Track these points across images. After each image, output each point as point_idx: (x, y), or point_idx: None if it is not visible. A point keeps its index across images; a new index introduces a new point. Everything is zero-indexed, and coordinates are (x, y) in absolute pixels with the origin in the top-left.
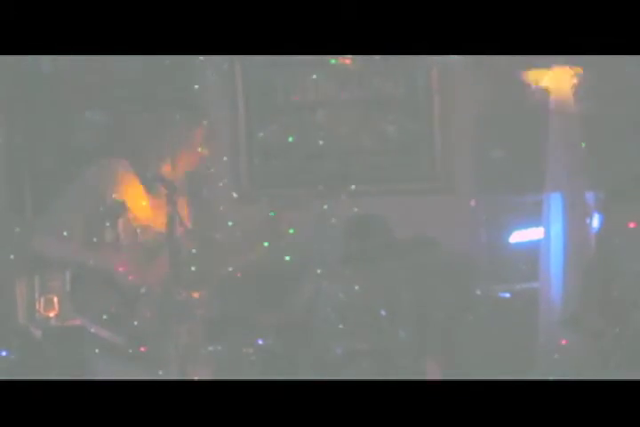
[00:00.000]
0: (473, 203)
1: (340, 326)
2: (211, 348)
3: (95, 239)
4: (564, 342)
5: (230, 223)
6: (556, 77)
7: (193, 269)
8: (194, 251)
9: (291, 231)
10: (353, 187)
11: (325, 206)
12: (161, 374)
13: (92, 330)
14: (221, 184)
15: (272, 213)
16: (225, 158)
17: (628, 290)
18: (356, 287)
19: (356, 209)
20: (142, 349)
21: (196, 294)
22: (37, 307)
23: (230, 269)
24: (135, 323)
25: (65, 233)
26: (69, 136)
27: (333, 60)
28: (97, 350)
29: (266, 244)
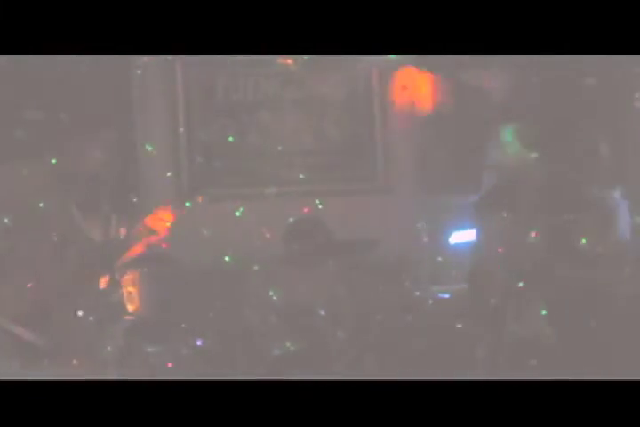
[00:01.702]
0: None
1: (278, 327)
2: (149, 349)
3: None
4: None
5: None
6: (492, 79)
7: (129, 269)
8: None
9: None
10: (282, 188)
11: (264, 206)
12: (97, 376)
13: (13, 330)
14: (161, 185)
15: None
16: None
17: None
18: (295, 288)
19: (295, 210)
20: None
21: (132, 294)
22: None
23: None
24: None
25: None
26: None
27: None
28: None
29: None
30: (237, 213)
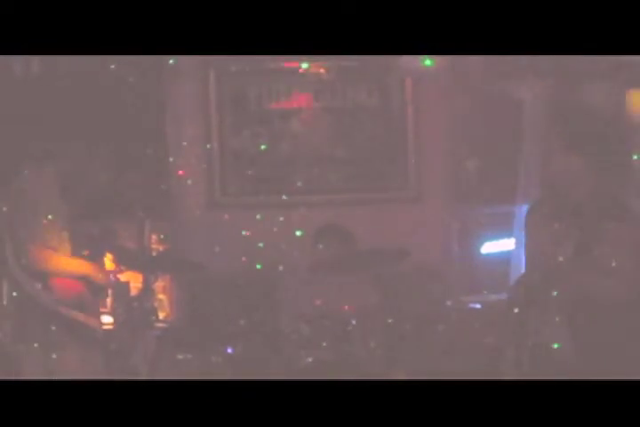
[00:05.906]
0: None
1: (310, 336)
2: (180, 356)
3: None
4: None
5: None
6: (529, 89)
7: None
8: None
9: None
10: (313, 196)
11: (296, 215)
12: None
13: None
14: (193, 192)
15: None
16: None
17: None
18: (326, 297)
19: (326, 218)
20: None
21: (165, 303)
22: None
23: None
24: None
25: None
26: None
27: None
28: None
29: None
30: (268, 222)
